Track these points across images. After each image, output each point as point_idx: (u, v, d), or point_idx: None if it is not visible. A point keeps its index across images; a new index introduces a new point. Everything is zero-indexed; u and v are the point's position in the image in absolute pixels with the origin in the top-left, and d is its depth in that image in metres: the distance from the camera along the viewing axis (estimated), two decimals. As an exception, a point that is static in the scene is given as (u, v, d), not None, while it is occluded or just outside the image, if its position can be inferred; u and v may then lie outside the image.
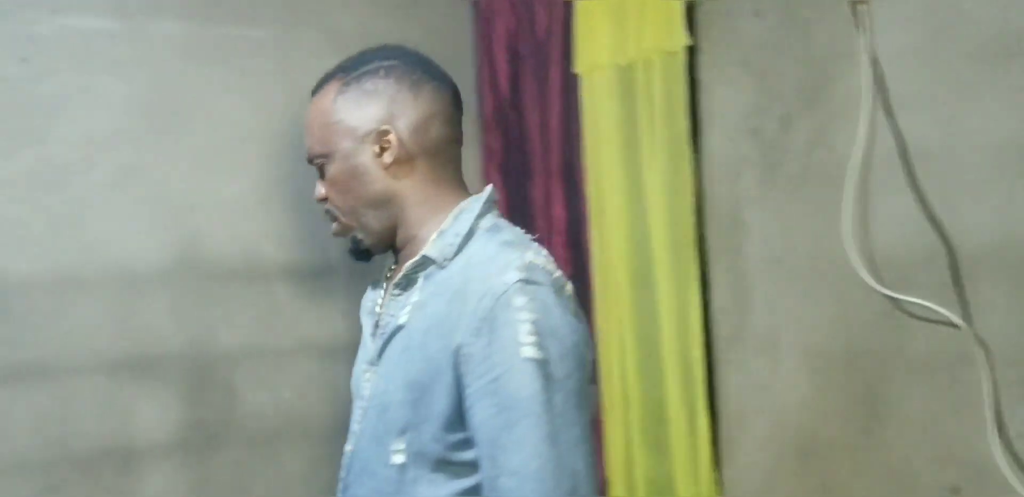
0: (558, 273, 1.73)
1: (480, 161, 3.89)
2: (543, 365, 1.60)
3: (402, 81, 1.81)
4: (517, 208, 3.78)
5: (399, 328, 1.78)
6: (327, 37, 3.62)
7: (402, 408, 1.72)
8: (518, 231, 1.82)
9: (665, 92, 3.27)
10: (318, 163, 1.84)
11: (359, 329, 1.93)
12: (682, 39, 3.23)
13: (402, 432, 1.72)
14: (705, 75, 3.35)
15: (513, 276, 1.64)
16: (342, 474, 1.89)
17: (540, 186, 3.73)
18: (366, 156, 1.80)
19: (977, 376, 2.69)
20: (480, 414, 1.63)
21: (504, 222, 1.84)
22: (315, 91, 1.87)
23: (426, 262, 1.79)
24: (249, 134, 3.47)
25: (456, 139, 1.88)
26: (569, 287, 1.74)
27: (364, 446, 1.81)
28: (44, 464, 3.15)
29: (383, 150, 1.79)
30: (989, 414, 2.67)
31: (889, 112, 2.81)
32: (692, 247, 3.29)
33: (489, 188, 1.88)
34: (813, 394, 3.09)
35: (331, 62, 1.85)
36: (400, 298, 1.83)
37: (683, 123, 3.28)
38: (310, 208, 3.58)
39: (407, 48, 1.87)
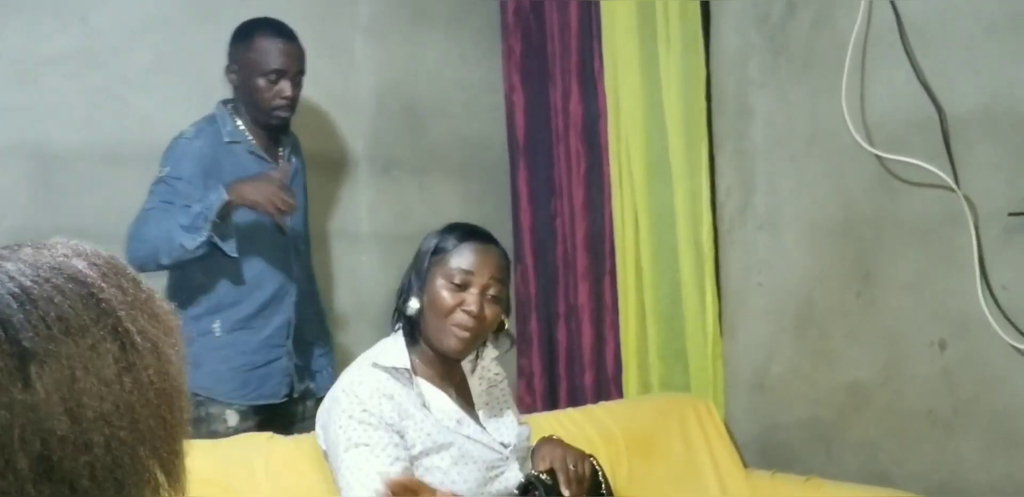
0: None
1: (501, 62, 4.14)
2: None
3: None
4: (536, 107, 4.03)
5: None
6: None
7: None
8: None
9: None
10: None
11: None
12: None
13: None
14: (717, -30, 3.60)
15: None
16: None
17: (559, 86, 3.96)
18: None
19: (965, 235, 2.92)
20: None
21: None
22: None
23: None
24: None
25: None
26: None
27: None
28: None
29: None
30: (976, 269, 2.91)
31: (888, -9, 3.05)
32: (703, 134, 3.56)
33: None
34: (810, 265, 3.38)
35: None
36: None
37: (696, 15, 3.53)
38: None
39: None
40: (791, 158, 3.40)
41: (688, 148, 3.61)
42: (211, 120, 3.39)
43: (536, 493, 2.27)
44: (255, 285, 3.31)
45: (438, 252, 2.40)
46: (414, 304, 2.40)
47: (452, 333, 2.36)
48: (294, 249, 3.44)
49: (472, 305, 2.33)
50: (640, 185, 3.73)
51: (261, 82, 3.33)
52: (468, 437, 2.37)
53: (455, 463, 2.31)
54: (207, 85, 3.65)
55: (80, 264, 0.93)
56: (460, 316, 2.34)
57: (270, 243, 3.34)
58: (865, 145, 3.14)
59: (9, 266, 0.90)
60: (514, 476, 2.37)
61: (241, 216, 3.22)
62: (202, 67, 3.64)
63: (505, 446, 2.42)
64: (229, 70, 3.40)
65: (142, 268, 3.08)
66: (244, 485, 2.71)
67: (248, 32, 3.39)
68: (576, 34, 3.94)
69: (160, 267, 3.18)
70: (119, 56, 3.54)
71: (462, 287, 2.35)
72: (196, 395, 3.21)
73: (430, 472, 2.30)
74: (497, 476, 2.36)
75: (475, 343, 2.42)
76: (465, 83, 4.23)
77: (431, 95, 4.15)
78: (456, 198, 4.19)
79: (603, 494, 2.41)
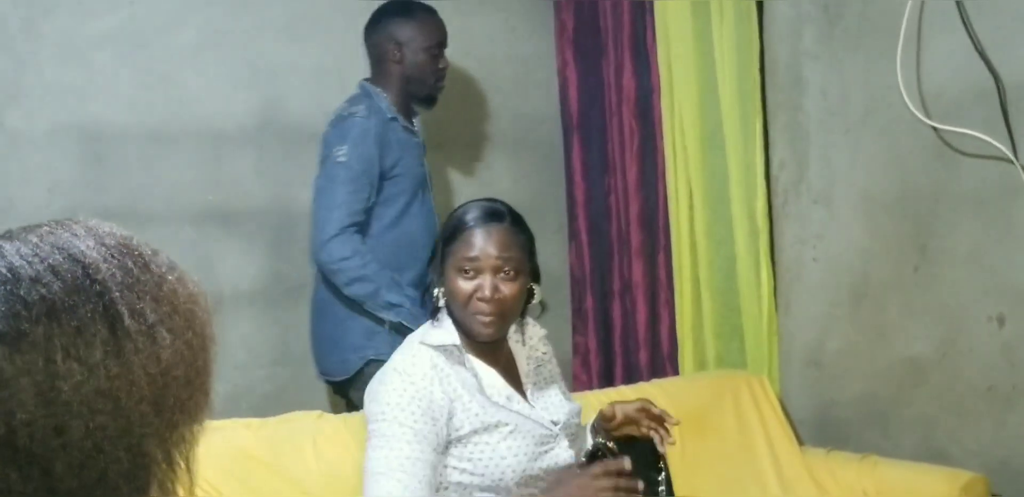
0: None
1: (552, 38, 4.11)
2: None
3: None
4: (589, 82, 4.00)
5: None
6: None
7: None
8: None
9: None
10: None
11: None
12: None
13: None
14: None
15: None
16: None
17: (611, 60, 3.92)
18: None
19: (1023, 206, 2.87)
20: None
21: None
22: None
23: None
24: (331, 5, 3.68)
25: None
26: None
27: None
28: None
29: None
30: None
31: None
32: (757, 106, 3.51)
33: None
34: (866, 239, 3.33)
35: None
36: None
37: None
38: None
39: None
40: (846, 130, 3.35)
41: (742, 121, 3.57)
42: (367, 97, 3.46)
43: (604, 461, 2.27)
44: (406, 265, 3.42)
45: (447, 242, 2.40)
46: (440, 295, 2.41)
47: (476, 320, 2.35)
48: (436, 217, 3.58)
49: (486, 290, 2.32)
50: (694, 159, 3.70)
51: (425, 56, 3.47)
52: (518, 413, 2.37)
53: (504, 438, 2.32)
54: (253, 63, 3.67)
55: (86, 244, 0.91)
56: (477, 304, 2.34)
57: (422, 215, 3.51)
58: (921, 116, 3.08)
59: (7, 246, 0.88)
60: (564, 452, 2.38)
61: (399, 187, 3.42)
62: (248, 45, 3.65)
63: (555, 424, 2.42)
64: (389, 48, 3.47)
65: (323, 271, 3.38)
66: (293, 463, 2.73)
67: (408, 9, 3.50)
68: (628, 8, 3.90)
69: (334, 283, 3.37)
70: (167, 35, 3.55)
71: (473, 273, 2.34)
72: (381, 362, 3.35)
73: (479, 448, 2.31)
74: (547, 452, 2.36)
75: (505, 323, 2.41)
76: (516, 59, 4.20)
77: (482, 71, 4.13)
78: (508, 174, 4.17)
79: (661, 468, 2.41)
